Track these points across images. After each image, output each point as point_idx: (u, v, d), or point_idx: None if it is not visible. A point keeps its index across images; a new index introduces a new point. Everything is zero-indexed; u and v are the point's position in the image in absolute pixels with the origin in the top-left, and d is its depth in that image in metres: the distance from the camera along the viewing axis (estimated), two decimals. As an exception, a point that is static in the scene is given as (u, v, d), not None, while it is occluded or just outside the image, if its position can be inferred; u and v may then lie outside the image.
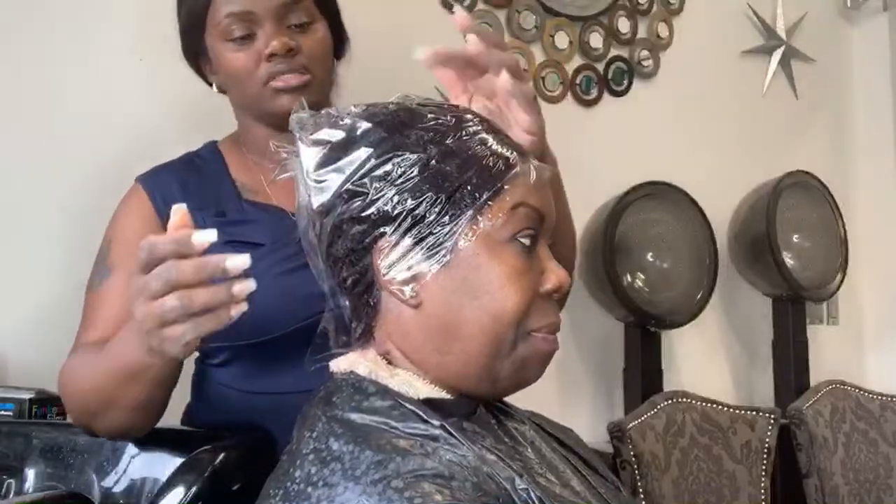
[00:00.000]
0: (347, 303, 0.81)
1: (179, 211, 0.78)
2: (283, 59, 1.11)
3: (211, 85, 1.23)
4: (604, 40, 2.40)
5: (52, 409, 1.40)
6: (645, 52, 2.47)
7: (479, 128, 0.79)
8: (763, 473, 2.05)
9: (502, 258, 0.76)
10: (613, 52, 2.42)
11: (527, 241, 0.78)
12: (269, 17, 1.11)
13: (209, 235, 0.75)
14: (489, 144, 0.78)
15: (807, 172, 2.54)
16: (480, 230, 0.76)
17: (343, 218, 0.77)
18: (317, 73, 1.15)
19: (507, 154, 0.78)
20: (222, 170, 1.22)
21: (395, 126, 0.78)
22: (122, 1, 1.76)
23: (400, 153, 0.76)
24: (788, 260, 2.46)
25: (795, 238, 2.53)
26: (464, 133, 0.78)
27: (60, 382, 1.07)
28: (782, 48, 2.73)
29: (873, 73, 2.89)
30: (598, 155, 2.31)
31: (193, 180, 1.19)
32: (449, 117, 0.79)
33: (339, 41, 1.24)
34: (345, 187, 0.77)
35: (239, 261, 0.74)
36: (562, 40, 2.33)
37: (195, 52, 1.20)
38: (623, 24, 2.43)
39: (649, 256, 2.30)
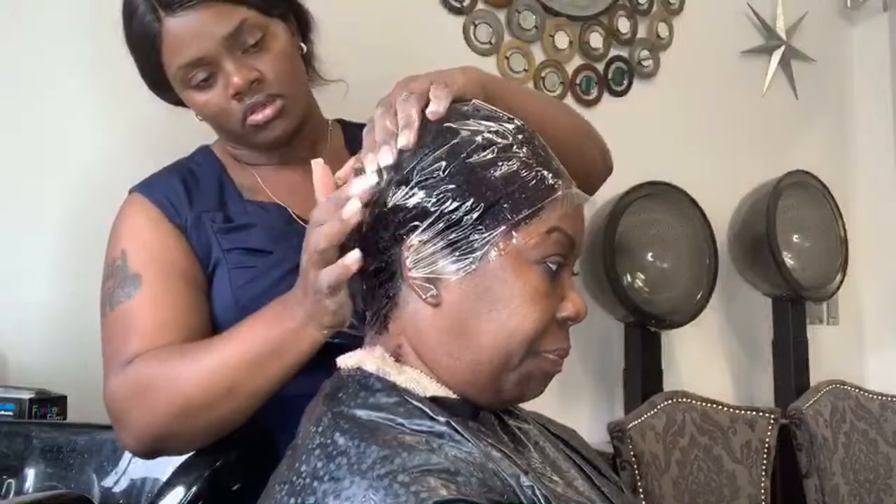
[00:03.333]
0: (364, 286, 0.81)
1: (319, 164, 0.85)
2: (250, 93, 1.07)
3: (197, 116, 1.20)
4: (604, 40, 2.40)
5: (52, 409, 1.40)
6: (645, 52, 2.47)
7: (531, 145, 0.80)
8: (763, 473, 2.05)
9: (528, 277, 0.77)
10: (613, 52, 2.42)
11: (554, 266, 0.78)
12: (220, 52, 1.06)
13: (353, 209, 0.80)
14: (536, 163, 0.78)
15: (807, 172, 2.54)
16: (513, 246, 0.76)
17: (388, 205, 0.78)
18: (289, 90, 1.11)
19: (552, 177, 0.79)
20: (220, 172, 1.21)
21: (450, 127, 0.79)
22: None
23: (450, 153, 0.77)
24: (788, 260, 2.46)
25: (795, 238, 2.53)
26: (514, 146, 0.78)
27: (125, 395, 0.99)
28: (782, 48, 2.73)
29: (873, 73, 2.89)
30: (598, 155, 2.30)
31: (193, 182, 1.18)
32: (503, 128, 0.80)
33: (300, 23, 1.18)
34: (396, 177, 0.78)
35: (354, 187, 0.80)
36: (562, 40, 2.33)
37: (175, 100, 1.18)
38: (623, 24, 2.43)
39: (649, 256, 2.30)
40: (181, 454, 1.04)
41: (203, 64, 1.07)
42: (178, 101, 1.18)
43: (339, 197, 0.81)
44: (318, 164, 0.86)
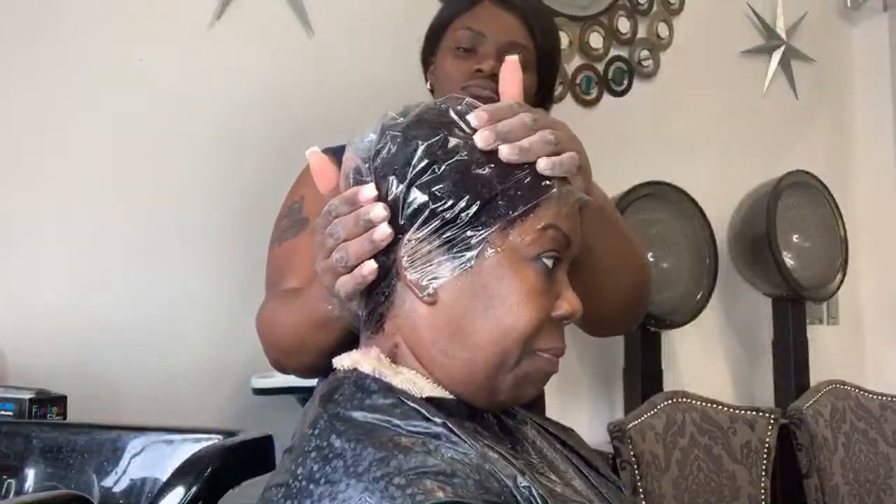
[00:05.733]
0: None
1: (315, 154, 0.87)
2: (485, 78, 1.24)
3: (427, 82, 1.37)
4: (604, 40, 2.40)
5: (52, 409, 1.40)
6: (645, 52, 2.47)
7: None
8: (763, 473, 2.05)
9: (524, 274, 0.77)
10: (613, 52, 2.43)
11: (550, 263, 0.78)
12: (494, 44, 1.26)
13: (369, 192, 0.80)
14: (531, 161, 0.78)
15: (807, 172, 2.54)
16: (508, 243, 0.76)
17: (385, 202, 0.78)
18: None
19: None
20: None
21: (445, 123, 0.79)
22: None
23: (445, 150, 0.77)
24: (788, 260, 2.46)
25: (795, 238, 2.53)
26: None
27: (260, 323, 1.12)
28: (782, 48, 2.73)
29: (873, 73, 2.90)
30: (598, 155, 2.30)
31: None
32: None
33: (545, 101, 1.35)
34: (391, 176, 0.78)
35: (377, 211, 0.79)
36: (562, 40, 2.33)
37: (430, 53, 1.35)
38: (623, 24, 2.43)
39: (649, 256, 2.30)
40: (305, 377, 1.13)
41: (479, 38, 1.27)
42: (424, 60, 1.38)
43: (359, 214, 0.81)
44: (313, 154, 0.87)
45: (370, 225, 0.79)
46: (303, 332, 1.02)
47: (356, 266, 0.81)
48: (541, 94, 1.35)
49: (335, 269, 0.82)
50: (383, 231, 0.79)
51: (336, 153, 1.24)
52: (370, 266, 0.79)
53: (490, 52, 1.26)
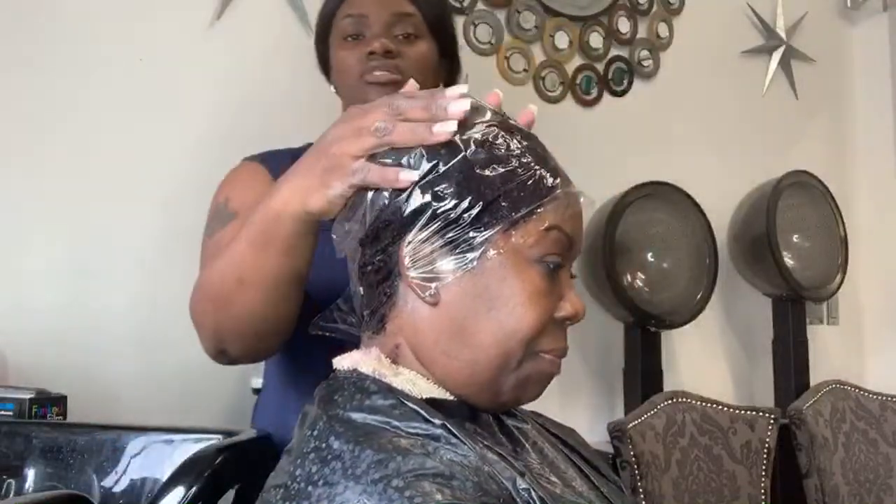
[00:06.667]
0: (362, 289, 0.81)
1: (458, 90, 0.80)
2: (380, 59, 1.22)
3: (331, 86, 1.34)
4: (604, 40, 2.40)
5: (52, 409, 1.40)
6: (645, 52, 2.47)
7: (528, 143, 0.80)
8: (763, 473, 2.05)
9: (527, 276, 0.77)
10: (613, 52, 2.43)
11: (553, 265, 0.78)
12: (380, 22, 1.24)
13: (461, 88, 0.78)
14: (535, 163, 0.78)
15: (807, 172, 2.54)
16: (511, 244, 0.76)
17: (387, 204, 0.78)
18: (408, 78, 1.17)
19: (550, 176, 0.79)
20: None
21: None
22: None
23: (448, 152, 0.77)
24: (788, 260, 2.45)
25: (795, 238, 2.53)
26: (512, 145, 0.78)
27: (192, 300, 1.02)
28: (782, 48, 2.73)
29: (873, 73, 2.90)
30: (598, 155, 2.31)
31: None
32: (503, 128, 0.80)
33: (451, 66, 1.34)
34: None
35: (458, 105, 0.77)
36: (562, 40, 2.33)
37: (325, 58, 1.33)
38: (623, 24, 2.43)
39: (649, 256, 2.30)
40: (246, 360, 1.05)
41: (362, 22, 1.25)
42: (324, 67, 1.35)
43: (431, 100, 0.78)
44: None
45: (440, 116, 0.76)
46: (240, 262, 0.91)
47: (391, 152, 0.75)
48: (446, 64, 1.33)
49: (366, 140, 0.77)
50: (449, 127, 0.75)
51: (265, 160, 1.25)
52: (408, 176, 0.75)
53: (377, 33, 1.24)
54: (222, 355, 1.04)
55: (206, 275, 1.01)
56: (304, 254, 0.91)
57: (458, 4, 2.17)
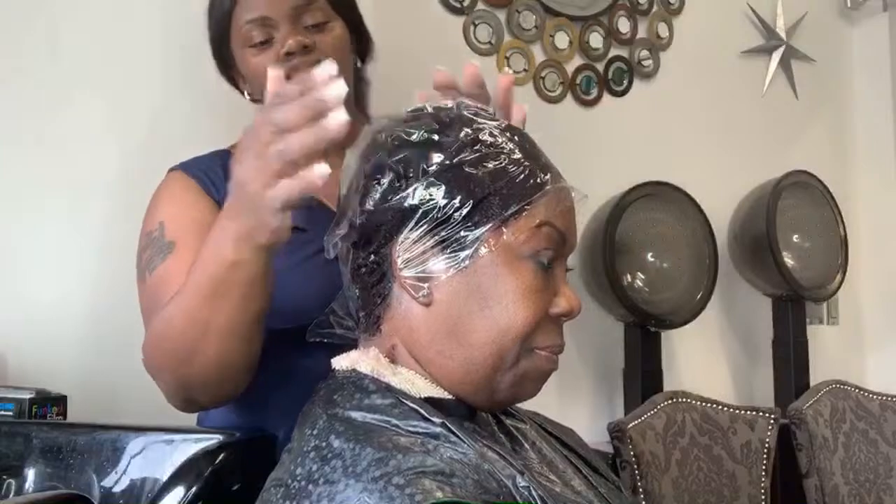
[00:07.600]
0: (357, 292, 0.81)
1: (275, 75, 0.78)
2: (299, 57, 1.14)
3: (244, 94, 1.27)
4: (604, 40, 2.40)
5: (52, 409, 1.40)
6: (645, 52, 2.47)
7: (518, 142, 0.80)
8: (763, 473, 2.05)
9: (520, 273, 0.77)
10: (613, 52, 2.42)
11: (545, 261, 0.78)
12: (285, 19, 1.15)
13: (328, 68, 0.72)
14: (525, 160, 0.79)
15: (807, 172, 2.54)
16: (503, 242, 0.76)
17: (378, 205, 0.78)
18: None
19: (540, 172, 0.79)
20: None
21: (437, 125, 0.79)
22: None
23: (437, 151, 0.77)
24: (788, 260, 2.45)
25: (795, 238, 2.53)
26: (502, 144, 0.79)
27: (146, 352, 1.00)
28: (782, 48, 2.72)
29: (873, 73, 2.89)
30: (598, 155, 2.31)
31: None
32: (490, 125, 0.80)
33: (360, 42, 1.28)
34: (384, 178, 0.78)
35: (336, 88, 0.71)
36: (562, 40, 2.33)
37: (227, 64, 1.26)
38: (623, 24, 2.43)
39: (649, 256, 2.30)
40: (219, 404, 1.04)
41: (267, 25, 1.16)
42: (233, 81, 1.28)
43: (309, 100, 0.71)
44: (273, 74, 0.81)
45: (323, 108, 0.70)
46: (198, 314, 0.89)
47: (303, 162, 0.70)
48: (358, 44, 1.28)
49: (270, 168, 0.72)
50: (339, 118, 0.69)
51: (188, 168, 1.20)
52: (323, 170, 0.70)
53: (287, 31, 1.15)
54: (191, 405, 1.03)
55: (159, 328, 0.96)
56: (266, 293, 0.90)
57: (458, 4, 2.18)
